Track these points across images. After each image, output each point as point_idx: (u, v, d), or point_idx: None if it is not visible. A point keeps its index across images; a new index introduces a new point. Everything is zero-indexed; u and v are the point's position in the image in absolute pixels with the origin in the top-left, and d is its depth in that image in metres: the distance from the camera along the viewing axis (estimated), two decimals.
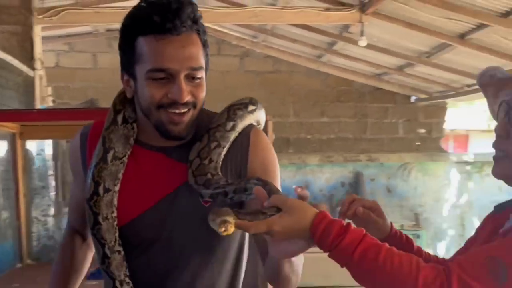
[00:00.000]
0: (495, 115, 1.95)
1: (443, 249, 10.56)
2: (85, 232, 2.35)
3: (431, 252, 6.54)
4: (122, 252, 2.09)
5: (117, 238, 2.08)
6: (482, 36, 6.77)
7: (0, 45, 5.74)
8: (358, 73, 10.52)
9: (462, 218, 11.16)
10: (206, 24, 1.99)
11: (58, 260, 2.39)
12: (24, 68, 6.31)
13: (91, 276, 3.65)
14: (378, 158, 10.88)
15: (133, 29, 1.94)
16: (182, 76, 1.89)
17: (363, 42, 7.24)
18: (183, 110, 1.93)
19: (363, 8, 6.92)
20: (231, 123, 2.08)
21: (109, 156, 2.06)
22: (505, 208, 1.95)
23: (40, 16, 6.84)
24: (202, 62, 1.94)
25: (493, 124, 1.90)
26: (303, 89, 10.61)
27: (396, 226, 6.58)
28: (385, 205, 10.78)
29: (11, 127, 4.81)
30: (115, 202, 2.07)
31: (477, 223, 6.21)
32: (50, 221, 5.74)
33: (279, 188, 1.91)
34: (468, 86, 9.30)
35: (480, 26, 6.47)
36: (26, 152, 5.30)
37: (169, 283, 2.11)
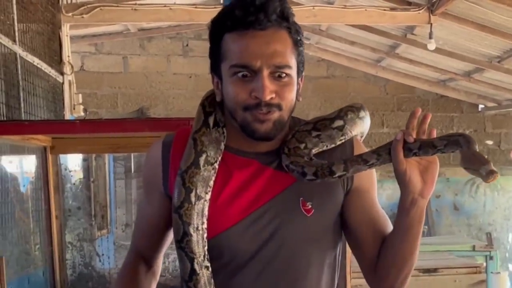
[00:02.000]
0: None
1: None
2: (152, 258, 2.32)
3: (504, 274, 6.39)
4: (210, 269, 2.05)
5: (206, 253, 2.04)
6: None
7: (29, 47, 5.53)
8: (421, 79, 10.51)
9: None
10: None
11: None
12: (52, 72, 6.13)
13: None
14: (444, 172, 10.73)
15: (219, 26, 1.97)
16: (265, 73, 1.90)
17: (432, 46, 7.20)
18: (266, 111, 1.93)
19: (431, 8, 6.87)
20: (340, 122, 2.07)
21: (202, 160, 2.04)
22: None
23: (69, 14, 6.68)
24: (290, 61, 1.94)
25: None
26: (360, 96, 10.55)
27: (467, 247, 6.49)
28: (452, 224, 10.74)
29: (42, 140, 4.65)
30: (206, 212, 2.04)
31: None
32: (87, 246, 5.56)
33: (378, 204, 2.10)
34: None
35: None
36: (58, 168, 5.07)
37: None
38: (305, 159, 1.99)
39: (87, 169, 6.19)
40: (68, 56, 6.70)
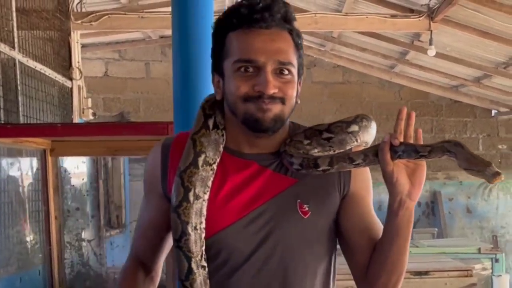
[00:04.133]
0: None
1: None
2: (151, 264, 2.26)
3: (505, 276, 6.34)
4: (207, 269, 2.03)
5: (203, 252, 2.02)
6: None
7: (32, 53, 5.57)
8: (434, 84, 10.45)
9: None
10: None
11: None
12: (58, 77, 6.15)
13: None
14: (457, 176, 10.78)
15: (223, 25, 1.98)
16: (269, 68, 1.91)
17: (432, 52, 7.16)
18: (268, 102, 1.93)
19: (431, 15, 6.82)
20: (355, 127, 2.06)
21: (200, 160, 2.02)
22: None
23: (78, 21, 6.77)
24: (293, 59, 1.96)
25: None
26: (375, 102, 10.51)
27: (473, 249, 6.45)
28: (465, 227, 10.64)
29: (41, 143, 4.62)
30: (204, 212, 2.02)
31: None
32: (85, 246, 5.54)
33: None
34: None
35: None
36: (58, 170, 5.04)
37: None
38: (301, 152, 1.98)
39: (95, 170, 6.17)
40: (78, 62, 6.73)
